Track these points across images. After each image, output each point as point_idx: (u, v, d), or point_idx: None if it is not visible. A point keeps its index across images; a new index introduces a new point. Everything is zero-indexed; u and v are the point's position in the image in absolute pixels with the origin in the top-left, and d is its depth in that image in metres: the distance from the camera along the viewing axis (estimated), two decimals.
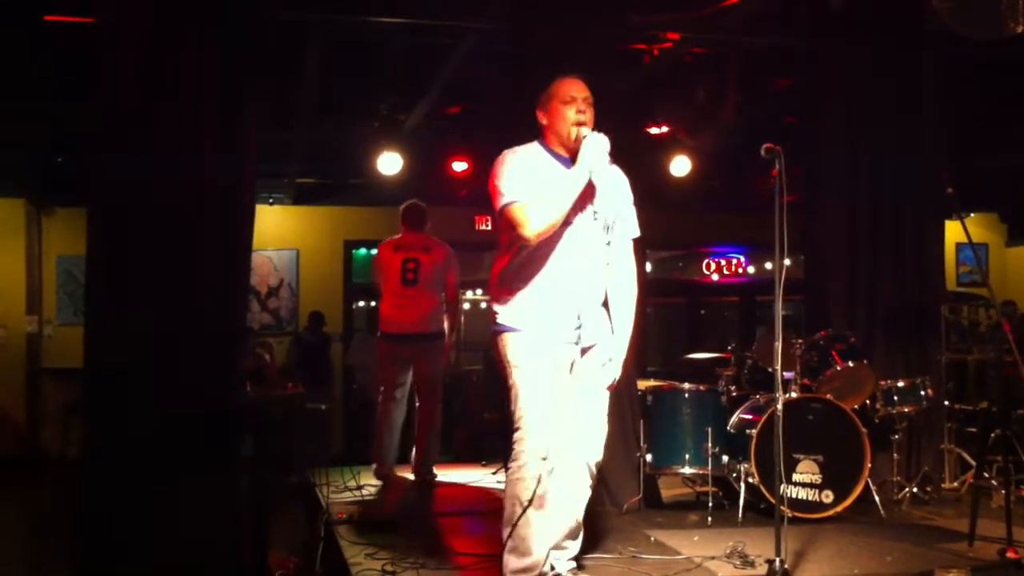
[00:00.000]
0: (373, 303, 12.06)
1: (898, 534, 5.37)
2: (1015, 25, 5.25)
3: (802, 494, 5.66)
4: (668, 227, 11.00)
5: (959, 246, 10.97)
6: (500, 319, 4.12)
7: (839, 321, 6.71)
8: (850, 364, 6.13)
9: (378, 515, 5.68)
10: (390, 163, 9.20)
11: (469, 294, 13.99)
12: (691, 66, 7.95)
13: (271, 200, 11.58)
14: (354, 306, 12.52)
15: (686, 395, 6.22)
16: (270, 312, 11.78)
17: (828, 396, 5.98)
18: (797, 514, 5.46)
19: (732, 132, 8.82)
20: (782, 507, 4.37)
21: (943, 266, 7.24)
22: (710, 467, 5.89)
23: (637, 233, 4.28)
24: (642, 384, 6.42)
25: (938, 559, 4.69)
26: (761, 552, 4.61)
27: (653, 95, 8.37)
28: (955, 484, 6.52)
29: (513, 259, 4.06)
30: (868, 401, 6.28)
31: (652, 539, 5.21)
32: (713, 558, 4.71)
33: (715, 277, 13.09)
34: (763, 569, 4.24)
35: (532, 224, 3.87)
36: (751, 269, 13.29)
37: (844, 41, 6.82)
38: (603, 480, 6.06)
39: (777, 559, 4.11)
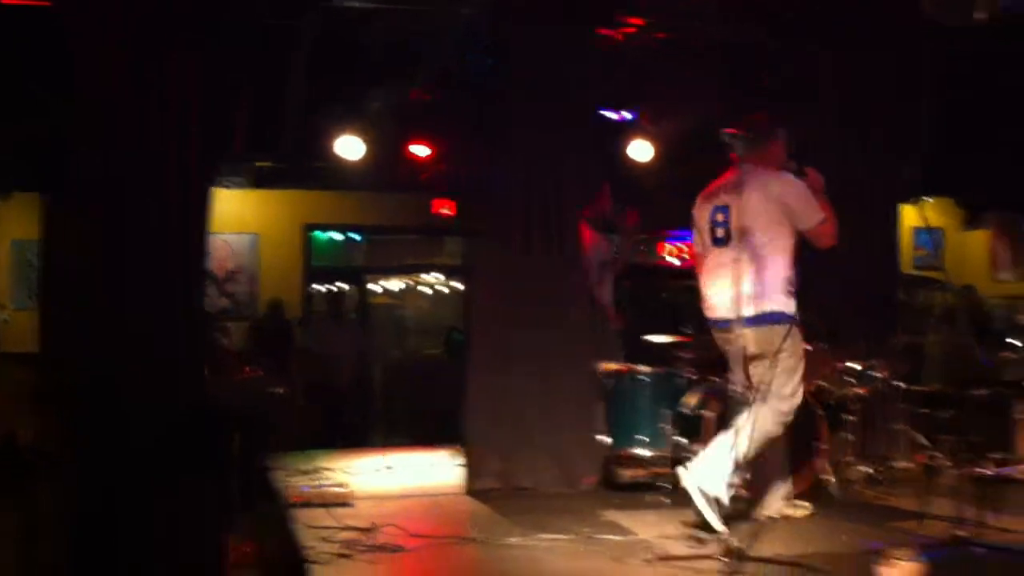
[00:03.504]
0: (334, 287, 12.03)
1: (851, 513, 5.43)
2: (983, 15, 5.35)
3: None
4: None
5: (916, 230, 11.06)
6: (791, 312, 4.98)
7: (797, 303, 6.73)
8: (807, 347, 6.16)
9: (334, 498, 5.65)
10: (350, 147, 9.13)
11: (429, 277, 13.97)
12: (658, 52, 7.94)
13: (229, 184, 11.46)
14: (313, 290, 12.44)
15: (645, 378, 6.25)
16: (228, 297, 11.68)
17: None
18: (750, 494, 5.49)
19: (698, 118, 8.83)
20: (736, 488, 4.40)
21: (899, 250, 7.32)
22: (667, 449, 5.92)
23: None
24: (602, 367, 6.44)
25: (889, 538, 4.73)
26: (717, 532, 4.64)
27: (615, 80, 8.36)
28: (908, 464, 6.59)
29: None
30: (824, 383, 6.32)
31: (608, 520, 5.23)
32: (668, 538, 4.74)
33: (675, 261, 13.13)
34: (718, 548, 4.26)
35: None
36: None
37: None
38: (561, 461, 6.10)
39: (730, 537, 4.14)
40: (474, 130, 6.70)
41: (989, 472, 4.71)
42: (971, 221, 12.53)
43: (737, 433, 4.73)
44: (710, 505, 4.69)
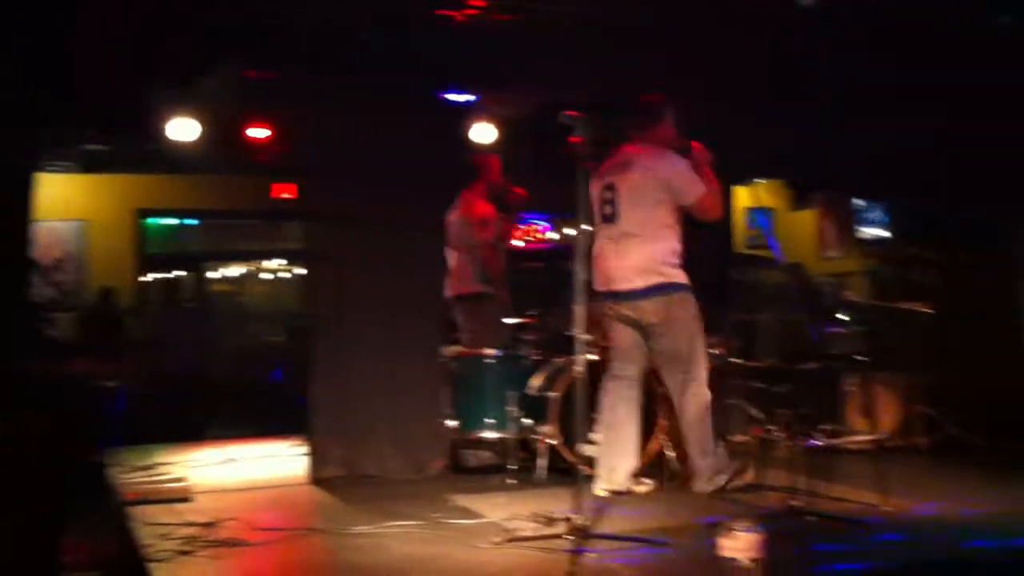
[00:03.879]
0: (170, 275, 11.64)
1: (691, 487, 5.58)
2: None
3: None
4: None
5: (748, 210, 11.42)
6: (682, 281, 5.22)
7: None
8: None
9: (172, 494, 5.47)
10: (183, 128, 8.81)
11: (270, 262, 13.68)
12: (500, 33, 7.91)
13: (55, 168, 10.93)
14: (147, 278, 12.00)
15: (491, 360, 6.26)
16: (54, 286, 11.16)
17: None
18: (596, 472, 5.56)
19: (540, 100, 8.85)
20: (582, 467, 4.45)
21: (732, 229, 7.54)
22: (513, 431, 5.95)
23: None
24: (447, 351, 6.42)
25: (728, 509, 4.87)
26: (563, 510, 4.69)
27: (461, 62, 8.31)
28: (744, 438, 6.80)
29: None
30: None
31: (457, 504, 5.23)
32: (516, 519, 4.76)
33: (520, 243, 13.23)
34: (564, 527, 4.30)
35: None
36: (555, 235, 13.49)
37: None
38: (407, 447, 6.06)
39: (577, 516, 4.18)
40: (315, 110, 6.53)
41: (820, 443, 4.90)
42: (800, 201, 13.02)
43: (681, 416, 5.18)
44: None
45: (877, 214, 11.34)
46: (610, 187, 5.40)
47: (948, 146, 7.04)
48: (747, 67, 6.83)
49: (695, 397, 5.27)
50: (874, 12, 6.25)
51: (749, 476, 5.30)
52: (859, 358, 5.15)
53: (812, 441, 4.94)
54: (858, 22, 6.34)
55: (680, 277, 5.29)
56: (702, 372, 5.30)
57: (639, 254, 5.27)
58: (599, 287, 5.41)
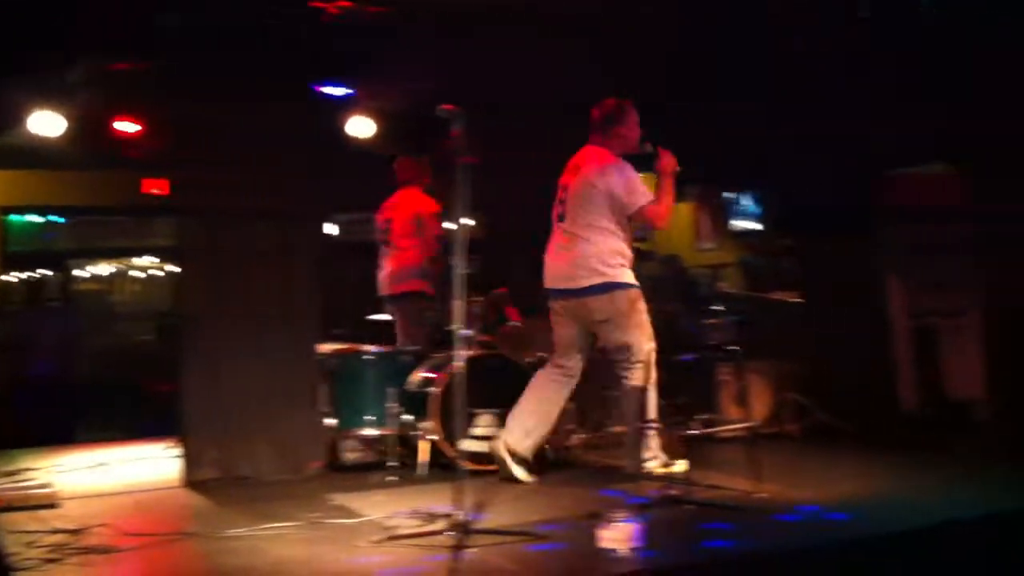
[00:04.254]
0: (37, 274, 11.20)
1: (572, 478, 5.63)
2: None
3: (481, 447, 5.77)
4: (349, 190, 10.86)
5: None
6: (625, 280, 5.38)
7: (517, 278, 6.88)
8: (526, 320, 6.32)
9: (39, 500, 5.26)
10: (46, 123, 8.47)
11: (141, 260, 13.31)
12: (375, 28, 7.82)
13: None
14: (10, 278, 11.53)
15: (368, 357, 6.20)
16: None
17: (505, 351, 6.13)
18: (476, 467, 5.56)
19: (419, 94, 8.79)
20: (462, 461, 4.43)
21: None
22: (393, 427, 5.90)
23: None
24: (324, 348, 6.33)
25: (607, 500, 4.93)
26: (444, 507, 4.66)
27: (336, 56, 8.19)
28: (623, 428, 6.87)
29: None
30: (541, 354, 6.48)
31: (336, 503, 5.16)
32: (397, 517, 4.72)
33: None
34: (445, 524, 4.28)
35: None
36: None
37: None
38: (283, 446, 5.95)
39: (456, 512, 4.17)
40: (186, 103, 6.36)
41: (697, 432, 4.99)
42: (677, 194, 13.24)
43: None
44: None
45: (749, 206, 11.63)
46: (564, 188, 5.62)
47: (813, 138, 7.28)
48: (629, 62, 6.92)
49: (634, 387, 5.41)
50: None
51: (681, 466, 5.37)
52: (732, 348, 5.25)
53: (689, 430, 5.02)
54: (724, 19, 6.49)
55: (622, 276, 5.45)
56: (639, 365, 5.42)
57: (583, 254, 5.47)
58: (547, 284, 5.63)
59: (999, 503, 4.69)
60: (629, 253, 5.53)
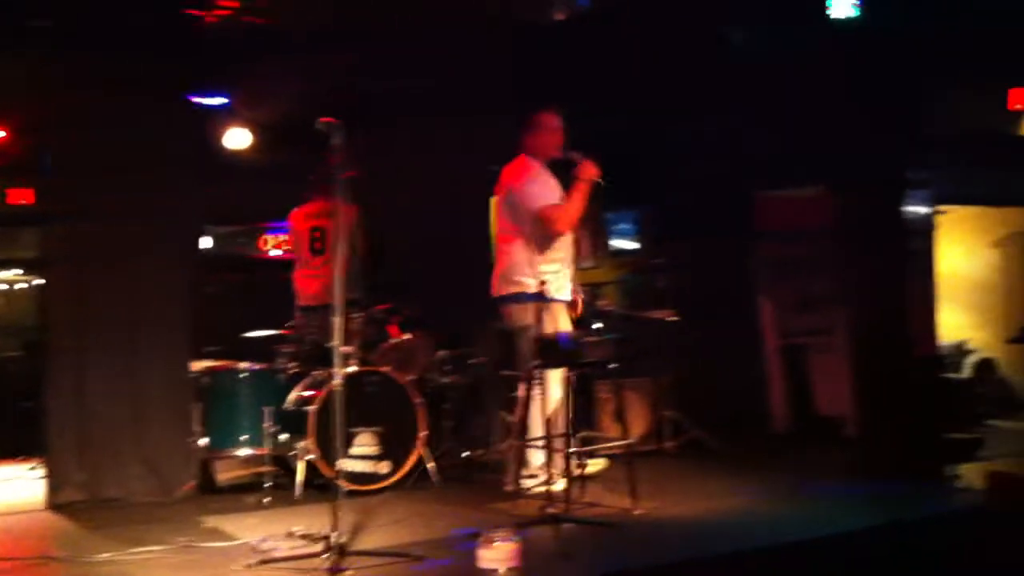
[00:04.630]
0: None
1: (452, 498, 5.60)
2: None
3: (360, 467, 5.71)
4: (226, 202, 10.65)
5: None
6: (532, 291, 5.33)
7: (397, 294, 6.83)
8: (406, 336, 6.28)
9: None
10: None
11: (5, 272, 12.77)
12: (251, 37, 7.69)
13: None
14: None
15: (243, 375, 6.07)
16: None
17: (386, 369, 6.07)
18: (355, 487, 5.49)
19: (297, 104, 8.66)
20: (339, 481, 4.36)
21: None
22: (268, 447, 5.79)
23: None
24: (197, 365, 6.16)
25: (486, 519, 4.90)
26: (320, 528, 4.58)
27: (211, 66, 8.02)
28: (503, 445, 6.88)
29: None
30: (423, 372, 6.46)
31: (208, 526, 5.02)
32: (272, 539, 4.62)
33: (273, 252, 12.87)
34: (320, 545, 4.20)
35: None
36: None
37: None
38: (155, 468, 5.77)
39: (333, 533, 4.10)
40: (51, 107, 6.13)
41: (575, 449, 5.02)
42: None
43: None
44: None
45: (627, 224, 11.80)
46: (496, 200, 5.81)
47: (689, 156, 7.46)
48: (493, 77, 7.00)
49: (533, 401, 5.35)
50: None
51: (559, 484, 5.36)
52: (610, 366, 5.30)
53: (567, 448, 5.04)
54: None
55: (524, 288, 5.49)
56: (526, 381, 5.37)
57: (501, 263, 5.69)
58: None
59: (867, 518, 4.84)
60: (541, 265, 5.54)
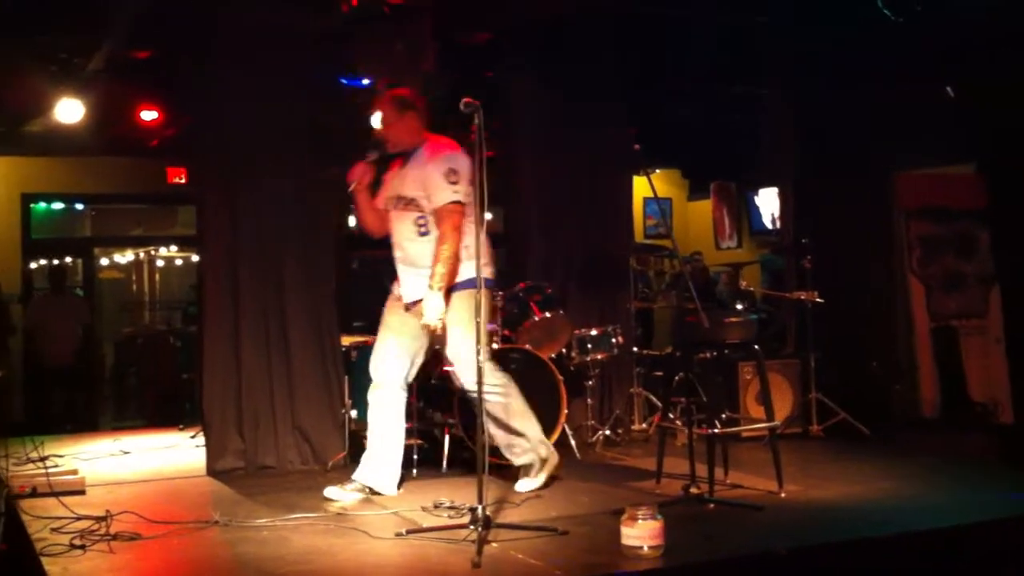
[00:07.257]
0: (56, 260, 11.24)
1: (592, 475, 5.63)
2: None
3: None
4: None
5: (646, 200, 11.57)
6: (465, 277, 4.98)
7: (537, 273, 6.90)
8: (547, 315, 6.33)
9: (64, 486, 5.31)
10: (70, 110, 8.52)
11: (163, 251, 13.36)
12: (390, 18, 7.83)
13: None
14: (33, 265, 11.57)
15: None
16: None
17: (527, 346, 6.15)
18: (499, 461, 5.57)
19: (432, 85, 8.80)
20: (485, 456, 4.45)
21: (631, 219, 7.63)
22: (414, 420, 5.93)
23: (443, 201, 4.90)
24: (346, 340, 6.35)
25: (628, 497, 4.93)
26: (465, 500, 4.69)
27: (353, 47, 8.20)
28: (644, 425, 6.91)
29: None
30: (564, 349, 6.51)
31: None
32: (419, 509, 4.75)
33: None
34: (466, 517, 4.30)
35: None
36: None
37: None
38: (307, 438, 5.98)
39: (479, 506, 4.19)
40: (198, 93, 6.36)
41: (718, 431, 4.99)
42: (695, 191, 13.24)
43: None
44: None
45: (769, 203, 11.61)
46: None
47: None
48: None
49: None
50: None
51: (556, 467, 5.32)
52: (754, 347, 5.24)
53: (710, 429, 5.02)
54: None
55: (467, 273, 4.96)
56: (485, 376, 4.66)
57: None
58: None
59: (1016, 507, 4.70)
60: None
